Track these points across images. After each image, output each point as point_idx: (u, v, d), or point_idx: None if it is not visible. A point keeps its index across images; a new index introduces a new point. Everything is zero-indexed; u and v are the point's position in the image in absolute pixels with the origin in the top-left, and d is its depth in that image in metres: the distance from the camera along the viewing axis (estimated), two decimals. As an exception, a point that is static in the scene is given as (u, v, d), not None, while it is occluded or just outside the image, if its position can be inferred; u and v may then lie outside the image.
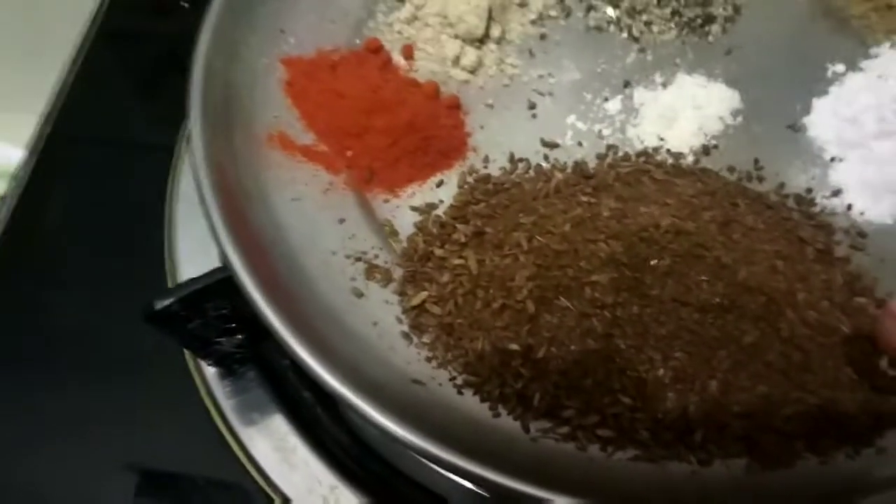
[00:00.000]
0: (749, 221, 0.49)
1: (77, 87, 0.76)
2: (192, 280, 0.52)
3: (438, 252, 0.51)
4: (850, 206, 0.55)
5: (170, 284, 0.62)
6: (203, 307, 0.53)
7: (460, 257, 0.50)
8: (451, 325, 0.48)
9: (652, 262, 0.45)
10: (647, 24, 0.62)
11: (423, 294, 0.50)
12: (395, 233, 0.54)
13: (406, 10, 0.62)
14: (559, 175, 0.54)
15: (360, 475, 0.58)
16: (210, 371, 0.61)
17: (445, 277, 0.49)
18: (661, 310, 0.44)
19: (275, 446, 0.58)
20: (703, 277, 0.44)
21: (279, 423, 0.59)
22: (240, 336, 0.57)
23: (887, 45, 0.61)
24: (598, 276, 0.45)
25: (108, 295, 0.64)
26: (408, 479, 0.58)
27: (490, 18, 0.61)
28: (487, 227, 0.51)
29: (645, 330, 0.44)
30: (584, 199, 0.50)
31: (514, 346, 0.46)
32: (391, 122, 0.55)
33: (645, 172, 0.54)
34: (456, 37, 0.60)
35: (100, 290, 0.65)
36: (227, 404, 0.60)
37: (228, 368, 0.61)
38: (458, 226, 0.52)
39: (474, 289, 0.48)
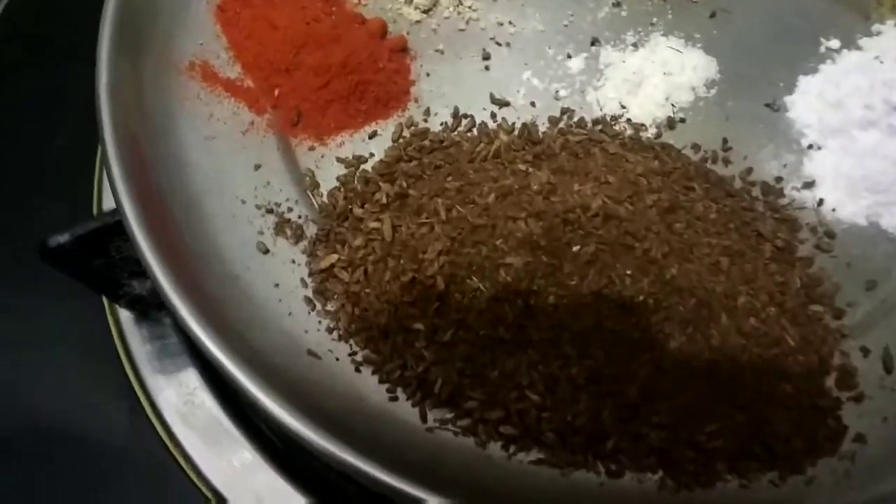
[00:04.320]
0: (699, 210, 0.44)
1: None
2: (92, 218, 0.49)
3: (357, 212, 0.46)
4: (821, 201, 0.50)
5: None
6: (105, 247, 0.49)
7: (377, 220, 0.45)
8: (357, 294, 0.44)
9: (574, 249, 0.40)
10: (627, -26, 0.55)
11: (334, 257, 0.45)
12: (316, 185, 0.49)
13: (362, -63, 0.56)
14: (504, 137, 0.49)
15: (267, 435, 0.55)
16: (126, 314, 0.58)
17: (358, 241, 0.45)
18: (580, 302, 0.39)
19: (183, 400, 0.55)
20: (628, 271, 0.39)
21: (190, 377, 0.56)
22: (153, 279, 0.54)
23: (892, 22, 0.55)
24: (512, 259, 0.40)
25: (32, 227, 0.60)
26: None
27: (453, -48, 0.55)
28: (412, 190, 0.46)
29: (560, 323, 0.40)
30: (522, 167, 0.45)
31: (420, 326, 0.42)
32: (322, 60, 0.49)
33: (597, 143, 0.48)
34: (413, -30, 0.54)
35: (29, 222, 0.61)
36: (139, 350, 0.57)
37: (143, 312, 0.57)
38: (382, 184, 0.47)
39: (385, 257, 0.44)
